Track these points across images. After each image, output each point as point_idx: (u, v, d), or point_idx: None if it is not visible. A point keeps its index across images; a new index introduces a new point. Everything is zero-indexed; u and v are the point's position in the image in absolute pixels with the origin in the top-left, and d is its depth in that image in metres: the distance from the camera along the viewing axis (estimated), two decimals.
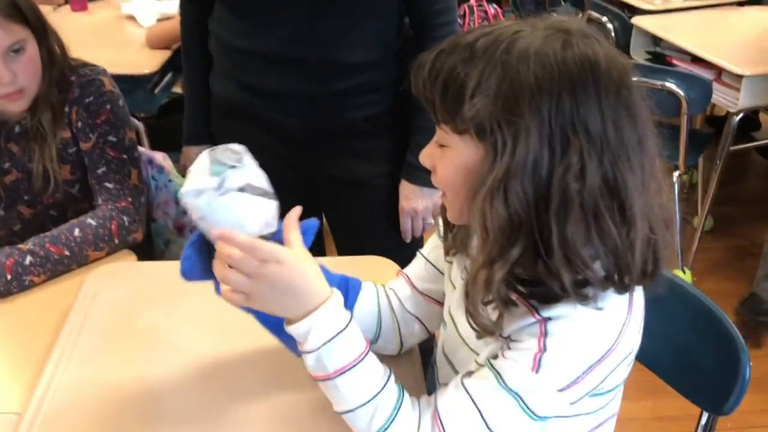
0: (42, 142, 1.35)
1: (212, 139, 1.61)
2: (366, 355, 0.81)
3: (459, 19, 1.42)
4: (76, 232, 1.32)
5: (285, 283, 0.78)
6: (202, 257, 0.85)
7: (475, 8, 4.27)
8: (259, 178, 0.81)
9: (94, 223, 1.34)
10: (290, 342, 0.86)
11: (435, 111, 0.78)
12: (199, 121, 1.59)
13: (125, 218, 1.38)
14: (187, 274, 0.87)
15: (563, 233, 0.71)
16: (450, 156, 0.78)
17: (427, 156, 0.82)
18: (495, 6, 4.33)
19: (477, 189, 0.74)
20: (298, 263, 0.79)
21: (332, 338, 0.79)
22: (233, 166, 0.79)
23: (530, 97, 0.70)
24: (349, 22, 1.35)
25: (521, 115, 0.70)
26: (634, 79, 0.75)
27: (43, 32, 1.33)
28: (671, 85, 2.31)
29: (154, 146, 2.13)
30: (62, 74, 1.37)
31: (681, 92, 2.31)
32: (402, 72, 1.43)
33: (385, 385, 0.81)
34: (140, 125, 2.27)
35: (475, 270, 0.76)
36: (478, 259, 0.76)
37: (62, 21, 1.44)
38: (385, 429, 0.80)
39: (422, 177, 1.41)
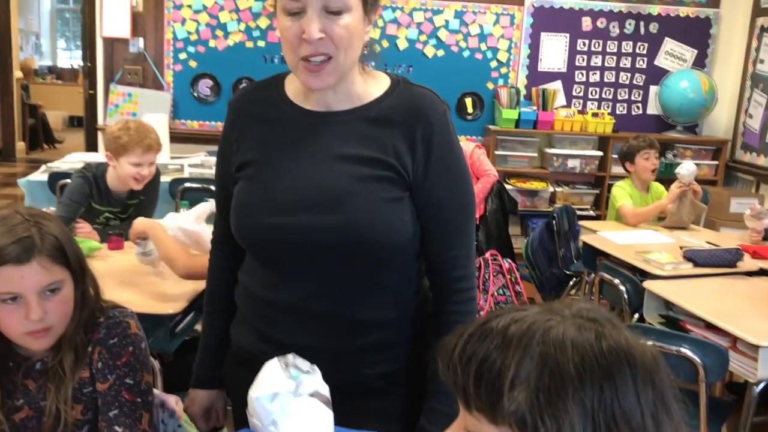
0: (59, 382, 1.35)
1: (222, 384, 1.60)
2: None
3: (475, 272, 1.47)
4: None
5: None
6: None
7: (490, 261, 4.42)
8: (324, 386, 0.83)
9: None
10: None
11: (467, 398, 0.76)
12: (211, 365, 1.59)
13: None
14: None
15: None
16: None
17: None
18: (509, 260, 4.49)
19: None
20: None
21: None
22: (308, 372, 0.83)
23: (572, 389, 0.69)
24: (370, 281, 1.39)
25: (565, 408, 0.69)
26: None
27: (81, 275, 1.38)
28: (687, 352, 2.29)
29: (167, 386, 2.11)
30: (91, 315, 1.40)
31: (697, 359, 2.29)
32: (419, 331, 1.46)
33: None
34: (157, 365, 2.27)
35: None
36: None
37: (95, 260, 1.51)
38: None
39: None
